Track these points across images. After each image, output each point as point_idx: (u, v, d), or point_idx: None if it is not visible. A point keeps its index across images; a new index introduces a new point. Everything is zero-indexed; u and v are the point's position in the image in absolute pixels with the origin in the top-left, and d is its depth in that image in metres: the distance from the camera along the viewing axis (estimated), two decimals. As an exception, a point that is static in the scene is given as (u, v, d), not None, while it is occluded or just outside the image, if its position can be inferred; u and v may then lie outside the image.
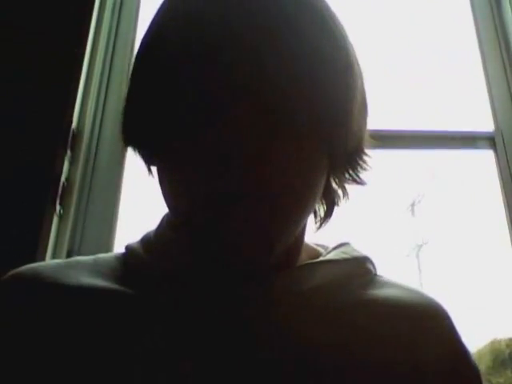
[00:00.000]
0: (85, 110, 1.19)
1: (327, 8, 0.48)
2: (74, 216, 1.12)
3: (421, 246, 1.23)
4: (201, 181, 0.42)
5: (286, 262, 0.48)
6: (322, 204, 0.54)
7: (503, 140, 1.29)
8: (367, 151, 0.53)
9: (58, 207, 1.08)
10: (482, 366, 1.14)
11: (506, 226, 1.20)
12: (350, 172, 0.52)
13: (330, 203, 0.54)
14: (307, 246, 0.55)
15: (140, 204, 1.17)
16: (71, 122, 1.14)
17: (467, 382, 0.51)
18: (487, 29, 1.43)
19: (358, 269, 0.53)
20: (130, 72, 0.48)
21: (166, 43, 0.45)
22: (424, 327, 0.50)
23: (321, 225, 0.55)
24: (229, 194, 0.41)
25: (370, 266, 0.55)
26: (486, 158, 1.30)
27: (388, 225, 1.20)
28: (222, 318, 0.45)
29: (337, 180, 0.53)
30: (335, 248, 0.55)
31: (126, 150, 1.22)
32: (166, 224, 0.53)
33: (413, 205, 1.27)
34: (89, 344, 0.43)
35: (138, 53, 0.48)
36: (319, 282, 0.49)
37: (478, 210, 1.24)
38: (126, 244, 0.53)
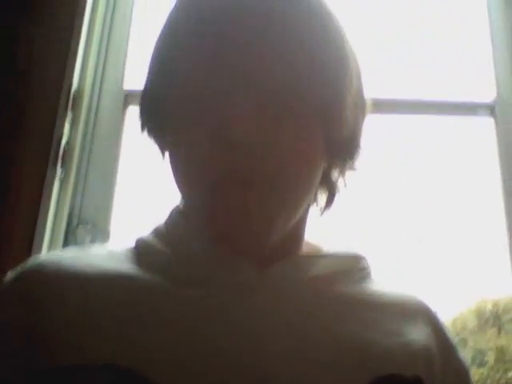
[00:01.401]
0: (85, 72, 1.19)
1: None
2: (75, 179, 1.13)
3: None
4: (205, 163, 0.45)
5: (286, 252, 0.51)
6: (323, 193, 0.57)
7: (503, 108, 1.29)
8: (362, 141, 0.55)
9: (59, 170, 1.09)
10: (469, 325, 1.21)
11: (500, 191, 1.22)
12: (347, 160, 0.55)
13: (331, 192, 0.57)
14: (309, 243, 0.58)
15: (140, 167, 1.18)
16: (71, 83, 1.14)
17: (458, 373, 0.56)
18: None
19: (356, 265, 0.56)
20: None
21: (175, 38, 0.49)
22: (416, 322, 0.54)
23: (322, 213, 0.58)
24: (232, 177, 0.44)
25: (366, 264, 0.58)
26: (485, 126, 1.30)
27: (388, 189, 1.22)
28: (227, 303, 0.48)
29: (337, 169, 0.56)
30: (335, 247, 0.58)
31: (125, 113, 1.22)
32: (176, 215, 0.55)
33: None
34: (118, 324, 0.45)
35: (155, 44, 0.52)
36: (318, 272, 0.52)
37: (474, 175, 1.26)
38: (136, 237, 0.55)
